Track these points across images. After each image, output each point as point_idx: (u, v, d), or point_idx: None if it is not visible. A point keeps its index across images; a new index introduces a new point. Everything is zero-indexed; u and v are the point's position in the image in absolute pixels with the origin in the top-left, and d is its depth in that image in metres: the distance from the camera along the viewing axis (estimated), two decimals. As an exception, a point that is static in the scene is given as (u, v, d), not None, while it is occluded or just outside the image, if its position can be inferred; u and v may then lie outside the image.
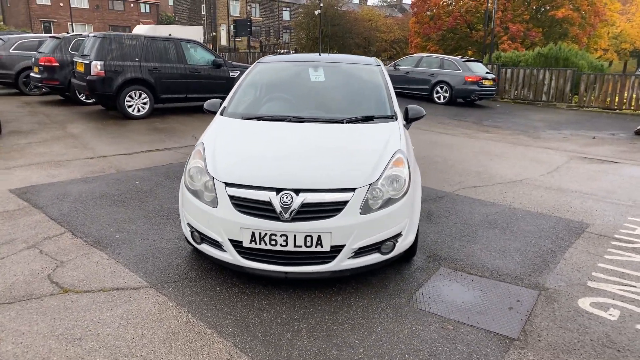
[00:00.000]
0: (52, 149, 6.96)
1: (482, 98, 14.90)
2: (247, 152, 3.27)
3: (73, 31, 41.10)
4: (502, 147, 8.26)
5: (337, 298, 3.01)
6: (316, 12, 34.59)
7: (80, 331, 2.59)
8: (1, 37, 13.89)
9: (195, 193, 3.09)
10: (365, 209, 2.89)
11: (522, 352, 2.52)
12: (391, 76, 18.41)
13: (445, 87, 14.42)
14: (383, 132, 3.52)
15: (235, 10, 56.52)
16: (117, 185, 5.30)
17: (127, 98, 9.61)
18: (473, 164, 6.90)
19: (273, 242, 2.82)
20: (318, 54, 5.00)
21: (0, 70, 12.87)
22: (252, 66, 4.50)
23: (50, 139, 7.66)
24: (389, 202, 2.99)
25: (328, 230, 2.81)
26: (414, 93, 15.18)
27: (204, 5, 54.19)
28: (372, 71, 4.30)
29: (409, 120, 4.07)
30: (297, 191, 2.84)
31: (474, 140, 8.86)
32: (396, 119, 3.75)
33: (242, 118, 3.76)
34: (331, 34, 39.86)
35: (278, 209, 2.80)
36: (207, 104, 4.15)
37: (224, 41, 49.04)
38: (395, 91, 4.17)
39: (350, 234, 2.84)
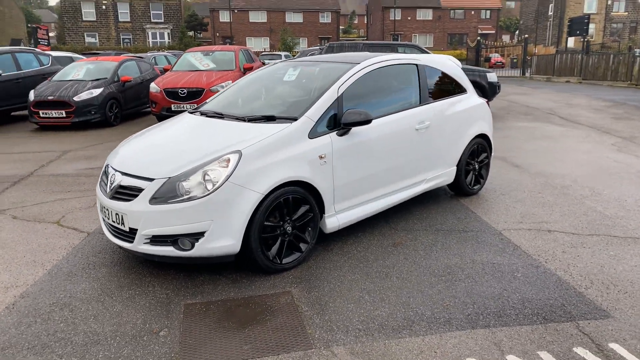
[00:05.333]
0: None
1: None
2: (138, 139, 3.76)
3: (417, 41, 46.25)
4: None
5: (146, 280, 3.20)
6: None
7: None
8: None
9: (107, 168, 3.85)
10: (159, 200, 2.97)
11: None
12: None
13: None
14: (255, 132, 3.28)
15: (592, 7, 49.49)
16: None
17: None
18: (623, 207, 4.66)
19: (105, 215, 3.31)
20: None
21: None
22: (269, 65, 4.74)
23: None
24: (190, 199, 2.94)
25: (124, 212, 3.08)
26: None
27: (552, 5, 49.98)
28: (336, 71, 3.82)
29: (341, 125, 3.49)
30: (124, 174, 3.22)
31: None
32: (293, 122, 3.36)
33: (189, 112, 4.19)
34: None
35: (107, 186, 3.27)
36: None
37: (570, 42, 43.86)
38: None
39: (139, 220, 3.01)
